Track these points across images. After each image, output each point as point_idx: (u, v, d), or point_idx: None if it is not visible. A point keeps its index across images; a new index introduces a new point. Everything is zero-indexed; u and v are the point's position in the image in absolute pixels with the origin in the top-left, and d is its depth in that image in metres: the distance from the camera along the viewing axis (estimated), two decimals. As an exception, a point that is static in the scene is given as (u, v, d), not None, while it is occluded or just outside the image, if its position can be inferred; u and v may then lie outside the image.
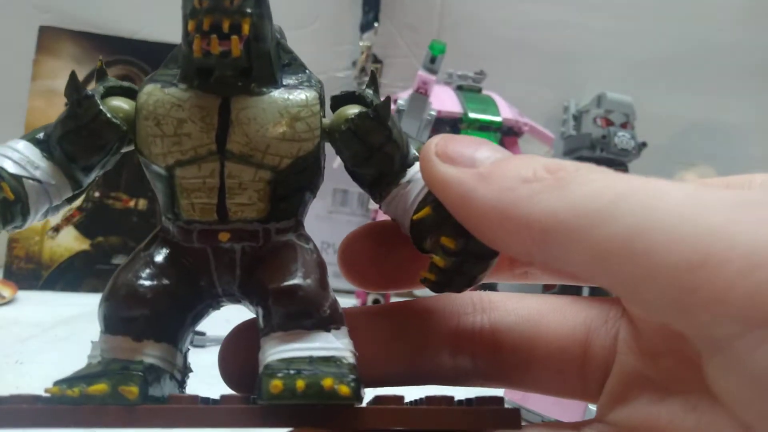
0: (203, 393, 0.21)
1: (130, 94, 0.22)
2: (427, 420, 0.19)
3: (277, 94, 0.21)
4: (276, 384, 0.18)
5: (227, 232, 0.21)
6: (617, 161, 0.77)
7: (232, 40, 0.19)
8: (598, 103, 0.78)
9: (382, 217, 0.24)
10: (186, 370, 0.23)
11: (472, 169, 0.18)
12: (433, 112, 0.61)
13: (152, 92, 0.21)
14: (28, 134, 0.22)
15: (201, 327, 0.53)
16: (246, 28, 0.19)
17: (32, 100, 0.75)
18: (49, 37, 0.77)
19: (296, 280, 0.20)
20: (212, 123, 0.20)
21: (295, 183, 0.21)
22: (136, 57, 0.79)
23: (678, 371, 0.19)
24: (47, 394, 0.19)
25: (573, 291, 0.72)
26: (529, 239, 0.16)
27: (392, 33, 0.81)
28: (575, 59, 0.86)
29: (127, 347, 0.21)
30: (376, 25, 0.76)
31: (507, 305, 0.23)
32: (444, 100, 0.63)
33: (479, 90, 0.66)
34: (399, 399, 0.19)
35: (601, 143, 0.75)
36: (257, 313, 0.21)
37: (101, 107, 0.21)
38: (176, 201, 0.21)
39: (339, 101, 0.23)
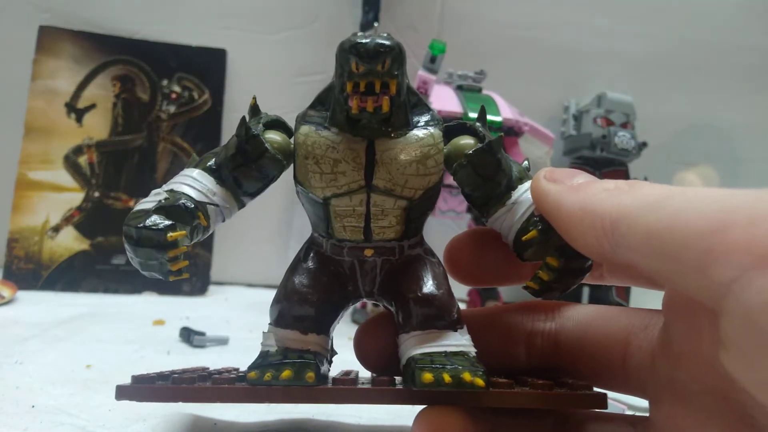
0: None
1: (278, 125, 0.27)
2: (534, 401, 0.24)
3: (410, 135, 0.25)
4: (427, 376, 0.23)
5: (371, 248, 0.26)
6: (617, 161, 0.77)
7: (384, 99, 0.24)
8: (598, 103, 0.78)
9: None
10: (332, 352, 0.28)
11: (567, 184, 0.23)
12: (433, 112, 0.61)
13: (309, 134, 0.25)
14: (201, 162, 0.27)
15: (201, 328, 0.53)
16: (393, 88, 0.24)
17: (32, 99, 0.75)
18: (48, 37, 0.77)
19: (432, 290, 0.26)
20: (361, 163, 0.25)
21: (423, 207, 0.26)
22: (135, 56, 0.79)
23: (696, 371, 0.22)
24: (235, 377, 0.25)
25: (572, 296, 0.72)
26: (601, 230, 0.20)
27: (392, 33, 0.81)
28: (575, 59, 0.86)
29: (296, 339, 0.26)
30: (376, 24, 0.76)
31: (568, 313, 0.28)
32: (444, 100, 0.63)
33: (479, 90, 0.66)
34: (510, 384, 0.24)
35: (601, 143, 0.75)
36: (395, 312, 0.27)
37: (267, 146, 0.26)
38: (330, 223, 0.26)
39: (451, 130, 0.27)
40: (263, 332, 0.27)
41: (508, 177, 0.26)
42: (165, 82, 0.80)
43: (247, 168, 0.26)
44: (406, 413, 0.34)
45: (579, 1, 0.86)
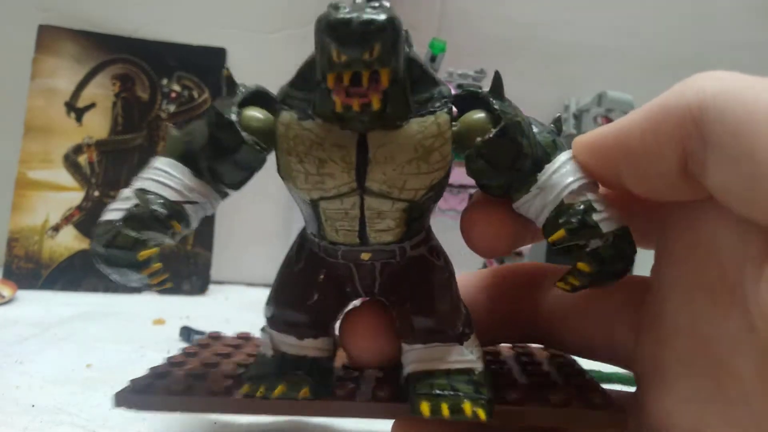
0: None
1: (260, 98, 0.23)
2: (546, 418, 0.22)
3: (411, 125, 0.20)
4: (425, 407, 0.21)
5: (368, 252, 0.22)
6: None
7: (373, 98, 0.19)
8: (598, 102, 0.78)
9: None
10: (338, 347, 0.26)
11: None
12: (434, 111, 0.61)
13: (290, 125, 0.21)
14: (171, 148, 0.23)
15: (201, 327, 0.53)
16: (385, 80, 0.19)
17: (31, 99, 0.75)
18: (48, 36, 0.77)
19: (433, 303, 0.23)
20: (351, 162, 0.20)
21: (427, 204, 0.22)
22: (135, 55, 0.79)
23: (688, 352, 0.21)
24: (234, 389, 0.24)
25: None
26: (691, 122, 0.18)
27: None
28: (576, 58, 0.86)
29: (292, 344, 0.24)
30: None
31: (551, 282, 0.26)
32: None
33: (480, 89, 0.66)
34: (521, 400, 0.23)
35: (601, 142, 0.75)
36: (396, 318, 0.24)
37: (244, 136, 0.21)
38: (321, 225, 0.22)
39: (461, 103, 0.22)
40: (261, 330, 0.26)
41: (533, 159, 0.22)
42: (165, 81, 0.79)
43: (224, 160, 0.22)
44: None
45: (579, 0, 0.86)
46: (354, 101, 0.19)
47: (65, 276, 0.72)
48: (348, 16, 0.17)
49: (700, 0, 0.87)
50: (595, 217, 0.21)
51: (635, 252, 0.21)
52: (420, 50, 0.77)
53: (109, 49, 0.78)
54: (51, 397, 0.35)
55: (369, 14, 0.18)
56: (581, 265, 0.21)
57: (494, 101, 0.22)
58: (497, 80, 0.22)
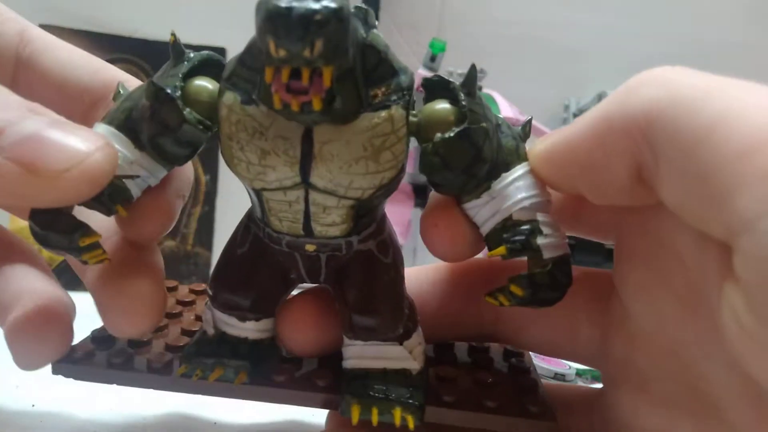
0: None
1: (210, 66, 0.21)
2: (477, 423, 0.22)
3: (362, 120, 0.19)
4: (355, 410, 0.22)
5: (313, 244, 0.22)
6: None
7: (314, 97, 0.17)
8: (598, 102, 0.78)
9: None
10: None
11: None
12: (434, 111, 0.61)
13: (232, 108, 0.19)
14: (113, 115, 0.21)
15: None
16: (328, 79, 0.17)
17: (32, 98, 0.75)
18: (48, 36, 0.77)
19: (375, 304, 0.22)
20: (295, 156, 0.19)
21: (377, 201, 0.21)
22: (135, 55, 0.79)
23: (657, 355, 0.20)
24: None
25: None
26: (638, 133, 0.17)
27: (392, 31, 0.81)
28: (576, 58, 0.86)
29: (234, 324, 0.24)
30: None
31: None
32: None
33: (480, 88, 0.66)
34: (455, 404, 0.22)
35: (601, 142, 0.75)
36: (339, 309, 0.23)
37: (185, 113, 0.20)
38: (265, 214, 0.21)
39: (431, 88, 0.21)
40: (205, 304, 0.25)
41: (491, 164, 0.20)
42: (165, 81, 0.80)
43: (165, 138, 0.20)
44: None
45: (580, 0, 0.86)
46: (293, 100, 0.17)
47: (65, 276, 0.72)
48: (287, 5, 0.15)
49: (699, 2, 0.87)
50: (539, 240, 0.20)
51: (570, 283, 0.21)
52: (420, 50, 0.77)
53: (109, 49, 0.78)
54: (51, 396, 0.35)
55: (312, 4, 0.15)
56: (514, 288, 0.21)
57: (463, 96, 0.20)
58: (471, 74, 0.20)
